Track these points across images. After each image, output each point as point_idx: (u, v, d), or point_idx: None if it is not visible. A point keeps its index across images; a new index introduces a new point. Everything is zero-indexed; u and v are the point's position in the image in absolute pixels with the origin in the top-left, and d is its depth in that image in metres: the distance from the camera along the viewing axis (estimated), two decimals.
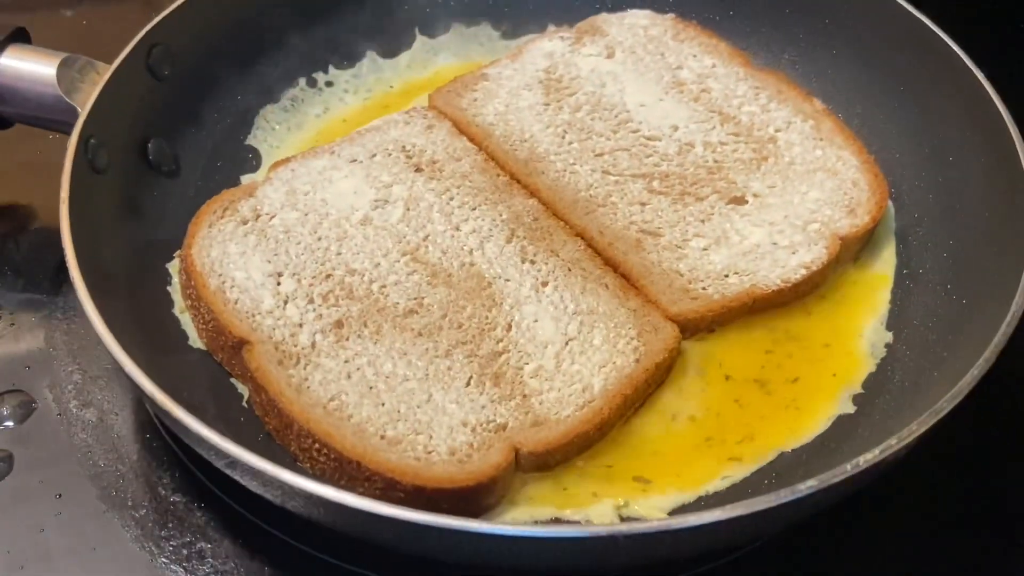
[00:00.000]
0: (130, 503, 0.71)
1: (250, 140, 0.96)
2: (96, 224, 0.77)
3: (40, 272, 0.88)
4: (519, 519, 0.67)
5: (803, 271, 0.79)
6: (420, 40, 1.05)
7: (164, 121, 0.89)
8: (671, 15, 1.02)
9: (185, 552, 0.68)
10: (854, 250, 0.83)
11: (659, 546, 0.56)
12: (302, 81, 1.00)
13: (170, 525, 0.70)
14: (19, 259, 0.89)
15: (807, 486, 0.57)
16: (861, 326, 0.79)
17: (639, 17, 1.02)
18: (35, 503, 0.69)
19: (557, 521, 0.66)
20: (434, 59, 1.05)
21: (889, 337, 0.79)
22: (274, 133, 0.97)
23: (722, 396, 0.74)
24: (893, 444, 0.60)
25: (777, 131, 0.91)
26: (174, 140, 0.90)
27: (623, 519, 0.67)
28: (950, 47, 0.86)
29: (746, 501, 0.56)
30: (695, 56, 0.98)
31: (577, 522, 0.66)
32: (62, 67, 0.83)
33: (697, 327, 0.78)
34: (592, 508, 0.67)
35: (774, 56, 1.01)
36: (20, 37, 0.84)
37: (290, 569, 0.67)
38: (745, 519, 0.55)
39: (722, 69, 0.96)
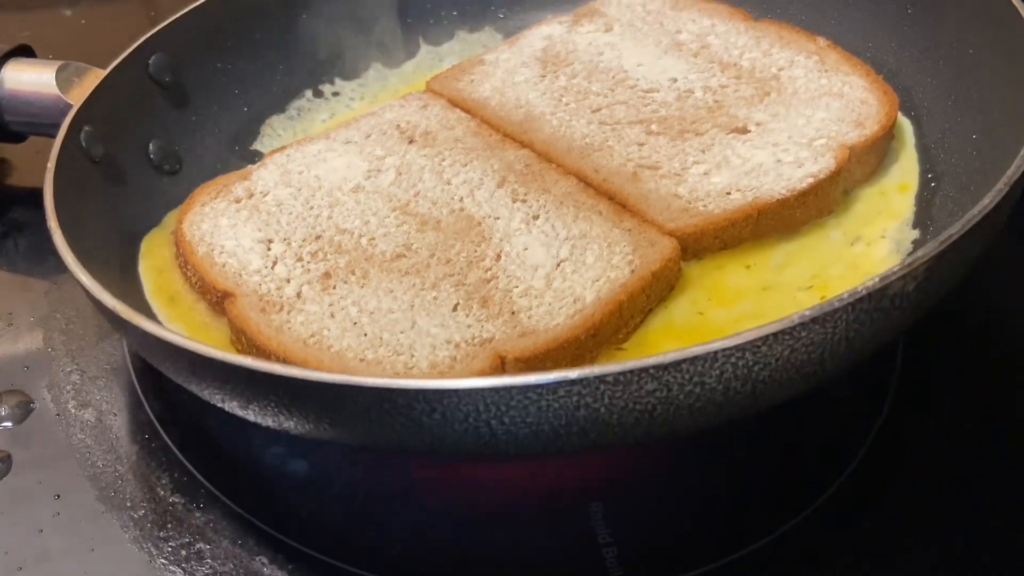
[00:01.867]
0: (129, 504, 0.69)
1: (256, 145, 0.96)
2: (83, 207, 0.77)
3: (39, 272, 0.88)
4: None
5: (810, 179, 0.75)
6: (425, 49, 1.06)
7: (167, 124, 0.91)
8: None
9: (184, 553, 0.66)
10: (867, 164, 0.78)
11: (645, 390, 0.50)
12: (308, 93, 1.02)
13: (169, 526, 0.68)
14: (18, 259, 0.89)
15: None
16: (884, 228, 0.73)
17: None
18: (33, 503, 0.69)
19: None
20: (439, 64, 1.05)
21: (915, 234, 0.73)
22: (280, 139, 0.97)
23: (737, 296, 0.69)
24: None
25: (780, 70, 0.88)
26: (178, 142, 0.91)
27: None
28: None
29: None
30: (694, 20, 0.96)
31: None
32: (60, 71, 0.86)
33: (698, 244, 0.73)
34: None
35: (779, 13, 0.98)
36: (23, 52, 0.87)
37: (290, 570, 0.65)
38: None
39: (722, 26, 0.94)
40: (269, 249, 0.76)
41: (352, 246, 0.75)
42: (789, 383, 0.52)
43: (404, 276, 0.71)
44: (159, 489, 0.70)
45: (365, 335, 0.67)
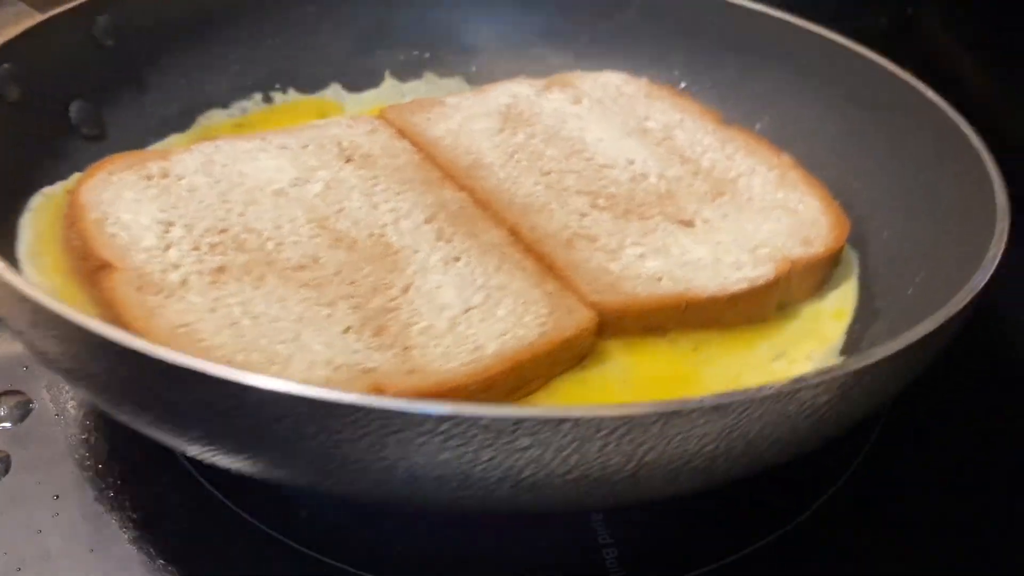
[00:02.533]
0: (128, 504, 0.68)
1: (188, 132, 0.91)
2: None
3: None
4: None
5: (745, 284, 0.71)
6: (389, 82, 1.03)
7: (98, 87, 0.85)
8: (644, 79, 0.98)
9: (183, 553, 0.65)
10: (807, 283, 0.75)
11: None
12: (258, 96, 0.97)
13: (168, 527, 0.67)
14: None
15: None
16: (811, 351, 0.70)
17: (613, 76, 0.99)
18: (33, 504, 0.68)
19: None
20: (400, 99, 1.01)
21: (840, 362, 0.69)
22: (214, 131, 0.92)
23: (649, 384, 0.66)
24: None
25: (739, 175, 0.85)
26: (105, 109, 0.86)
27: None
28: (935, 104, 0.80)
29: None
30: (664, 112, 0.94)
31: None
32: None
33: (621, 324, 0.69)
34: None
35: (750, 122, 0.96)
36: None
37: (290, 570, 0.64)
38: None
39: (691, 123, 0.92)
40: (167, 231, 0.70)
41: (256, 247, 0.69)
42: (675, 475, 0.47)
43: (301, 287, 0.66)
44: (158, 490, 0.69)
45: (242, 336, 0.61)
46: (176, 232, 0.70)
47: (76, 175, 0.79)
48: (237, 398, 0.44)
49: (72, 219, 0.70)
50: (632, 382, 0.66)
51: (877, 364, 0.49)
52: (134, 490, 0.68)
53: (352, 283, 0.67)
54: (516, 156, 0.85)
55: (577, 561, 0.63)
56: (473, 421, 0.43)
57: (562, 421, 0.43)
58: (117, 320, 0.62)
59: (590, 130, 0.89)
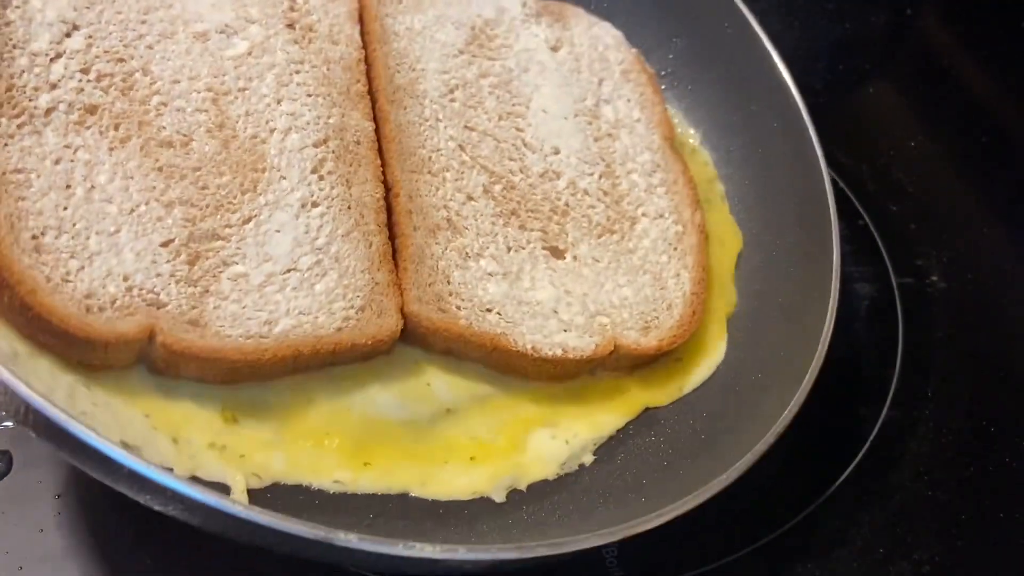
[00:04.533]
0: (129, 503, 0.64)
1: None
2: None
3: None
4: (99, 405, 0.59)
5: (559, 351, 0.73)
6: None
7: None
8: (636, 51, 0.95)
9: (184, 553, 0.66)
10: (624, 365, 0.78)
11: None
12: None
13: (170, 526, 0.64)
14: None
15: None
16: (577, 432, 0.73)
17: (607, 32, 0.94)
18: (34, 503, 0.68)
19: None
20: None
21: (590, 459, 0.73)
22: None
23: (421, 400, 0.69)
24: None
25: (643, 215, 0.85)
26: None
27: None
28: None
29: None
30: (628, 101, 0.91)
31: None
32: None
33: (424, 340, 0.71)
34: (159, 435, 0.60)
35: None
36: None
37: (291, 571, 0.65)
38: None
39: (642, 128, 0.90)
40: (67, 36, 0.69)
41: (140, 98, 0.69)
42: None
43: (155, 170, 0.67)
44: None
45: (63, 208, 0.62)
46: (75, 41, 0.69)
47: None
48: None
49: None
50: (416, 396, 0.69)
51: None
52: None
53: (203, 188, 0.67)
54: (454, 94, 0.83)
55: (577, 561, 0.63)
56: None
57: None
58: None
59: (541, 94, 0.87)
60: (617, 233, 0.83)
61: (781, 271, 0.82)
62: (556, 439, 0.72)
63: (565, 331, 0.75)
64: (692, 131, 0.96)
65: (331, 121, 0.75)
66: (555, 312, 0.75)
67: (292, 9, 0.79)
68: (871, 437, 0.71)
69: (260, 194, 0.69)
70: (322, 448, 0.64)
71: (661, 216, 0.85)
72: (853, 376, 0.66)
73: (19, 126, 0.64)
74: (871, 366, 0.70)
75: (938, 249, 0.87)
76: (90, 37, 0.70)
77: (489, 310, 0.73)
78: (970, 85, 0.99)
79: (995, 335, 0.79)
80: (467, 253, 0.75)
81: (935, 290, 0.79)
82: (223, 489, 0.60)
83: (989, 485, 0.70)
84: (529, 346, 0.73)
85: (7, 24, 0.68)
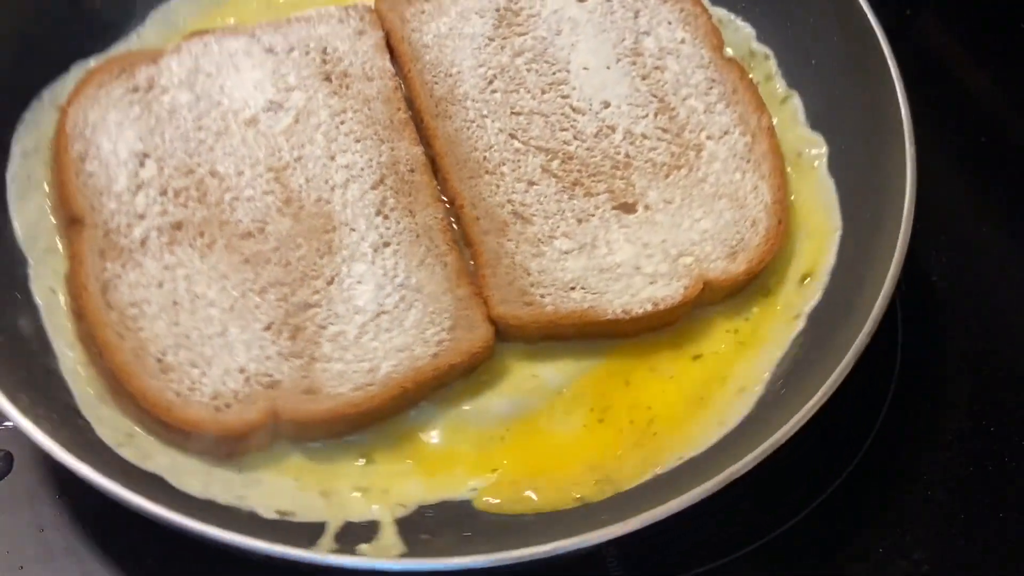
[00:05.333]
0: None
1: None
2: None
3: None
4: (250, 481, 0.68)
5: (649, 306, 0.76)
6: None
7: None
8: None
9: (185, 553, 0.67)
10: (718, 297, 0.79)
11: None
12: None
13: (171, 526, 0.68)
14: None
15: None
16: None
17: None
18: (35, 503, 0.69)
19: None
20: None
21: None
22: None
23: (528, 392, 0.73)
24: None
25: (708, 138, 0.85)
26: None
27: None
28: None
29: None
30: (669, 24, 0.91)
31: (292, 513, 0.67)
32: None
33: (519, 335, 0.76)
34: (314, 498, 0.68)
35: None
36: None
37: (291, 569, 0.64)
38: None
39: (688, 48, 0.89)
40: (142, 166, 0.78)
41: (215, 200, 0.77)
42: None
43: (243, 264, 0.75)
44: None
45: (177, 325, 0.71)
46: (149, 168, 0.78)
47: (77, 65, 0.84)
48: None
49: (57, 149, 0.78)
50: (515, 388, 0.74)
51: None
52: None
53: (287, 265, 0.75)
54: (494, 84, 0.86)
55: (577, 561, 0.65)
56: None
57: None
58: (75, 295, 0.72)
59: (579, 51, 0.89)
60: (684, 167, 0.84)
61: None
62: (673, 379, 0.75)
63: (651, 284, 0.77)
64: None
65: (383, 159, 0.80)
66: (637, 269, 0.78)
67: (324, 62, 0.85)
68: (871, 437, 0.71)
69: (335, 253, 0.76)
70: (453, 464, 0.71)
71: (726, 133, 0.85)
72: (853, 376, 0.66)
73: (123, 265, 0.73)
74: (871, 366, 0.69)
75: (938, 249, 0.84)
76: (160, 160, 0.78)
77: (572, 288, 0.77)
78: (970, 85, 0.95)
79: (995, 335, 0.77)
80: (539, 239, 0.79)
81: (935, 290, 0.76)
82: (374, 527, 0.68)
83: (989, 485, 0.69)
84: (619, 310, 0.76)
85: (90, 176, 0.77)
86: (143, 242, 0.75)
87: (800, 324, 0.77)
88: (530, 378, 0.75)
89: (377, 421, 0.72)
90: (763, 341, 0.77)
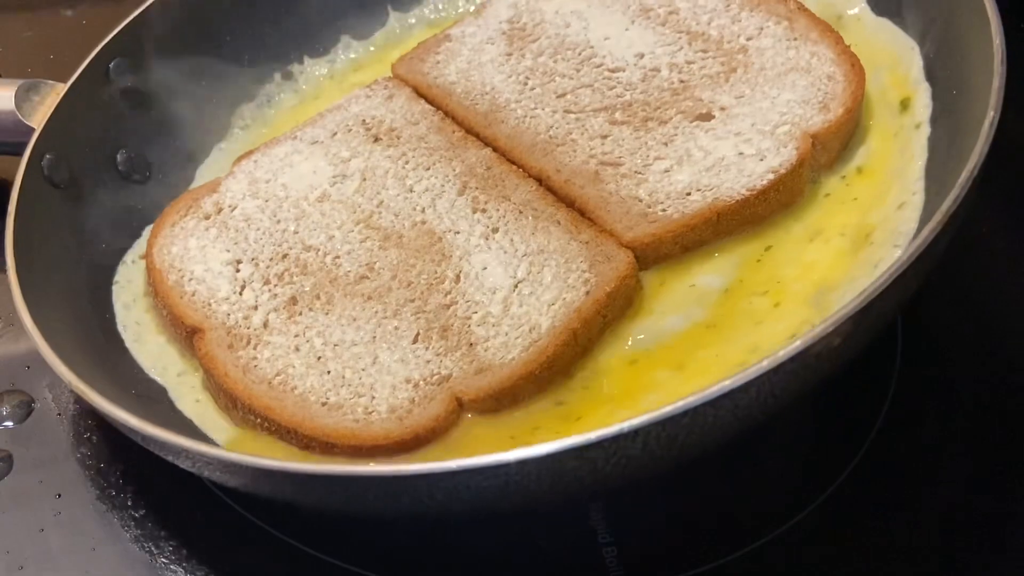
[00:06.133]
0: (130, 503, 0.70)
1: (227, 139, 0.96)
2: (48, 244, 0.78)
3: None
4: None
5: (770, 176, 0.73)
6: (393, 16, 1.04)
7: (134, 131, 0.90)
8: None
9: (185, 552, 0.68)
10: (832, 151, 0.77)
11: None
12: (277, 76, 1.00)
13: (170, 525, 0.69)
14: None
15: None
16: (844, 225, 0.72)
17: None
18: (35, 503, 0.69)
19: None
20: (409, 33, 1.03)
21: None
22: (250, 128, 0.97)
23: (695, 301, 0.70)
24: None
25: (748, 39, 0.85)
26: (146, 148, 0.91)
27: None
28: None
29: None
30: None
31: None
32: (20, 91, 0.85)
33: (658, 252, 0.73)
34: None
35: None
36: None
37: (290, 569, 0.66)
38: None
39: None
40: (238, 271, 0.77)
41: (317, 266, 0.76)
42: (715, 442, 0.54)
43: (367, 302, 0.72)
44: (160, 488, 0.72)
45: (328, 373, 0.68)
46: (245, 270, 0.77)
47: (148, 228, 0.86)
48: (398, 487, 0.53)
49: (154, 285, 0.78)
50: (677, 306, 0.70)
51: (885, 292, 0.53)
52: (135, 489, 0.70)
53: (409, 285, 0.73)
54: (529, 83, 0.87)
55: (577, 561, 0.64)
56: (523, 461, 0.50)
57: (601, 441, 0.49)
58: (219, 385, 0.70)
59: (594, 28, 0.90)
60: (739, 68, 0.83)
61: None
62: (829, 241, 0.71)
63: (762, 159, 0.75)
64: None
65: (457, 171, 0.80)
66: (741, 155, 0.76)
67: (368, 129, 0.86)
68: (870, 438, 0.68)
69: (450, 256, 0.74)
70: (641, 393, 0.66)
71: (762, 28, 0.85)
72: (852, 377, 0.64)
73: (254, 348, 0.71)
74: (870, 367, 0.68)
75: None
76: (253, 260, 0.78)
77: (688, 194, 0.74)
78: None
79: (995, 335, 0.76)
80: (636, 171, 0.77)
81: (935, 290, 0.76)
82: None
83: (989, 485, 0.66)
84: (744, 191, 0.73)
85: (193, 295, 0.76)
86: (265, 324, 0.73)
87: (927, 129, 0.74)
88: (688, 288, 0.71)
89: (560, 375, 0.67)
90: (899, 161, 0.73)
